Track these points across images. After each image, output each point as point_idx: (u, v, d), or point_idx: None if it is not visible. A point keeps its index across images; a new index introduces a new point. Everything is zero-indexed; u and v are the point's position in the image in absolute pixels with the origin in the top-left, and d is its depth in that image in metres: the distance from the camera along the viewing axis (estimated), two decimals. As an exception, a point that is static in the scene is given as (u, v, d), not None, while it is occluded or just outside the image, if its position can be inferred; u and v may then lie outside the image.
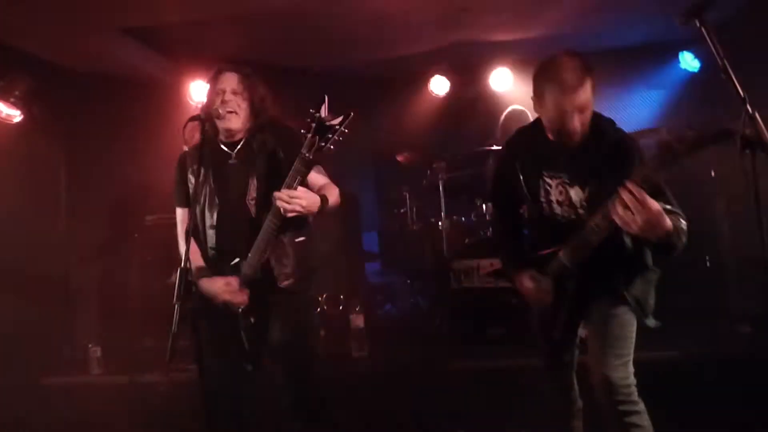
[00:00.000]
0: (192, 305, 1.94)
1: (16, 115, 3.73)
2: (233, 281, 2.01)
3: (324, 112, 1.84)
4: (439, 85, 4.70)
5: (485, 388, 2.89)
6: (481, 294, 3.38)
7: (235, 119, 2.08)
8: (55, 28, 3.58)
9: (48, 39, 3.73)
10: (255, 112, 2.12)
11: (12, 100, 3.64)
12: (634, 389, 1.83)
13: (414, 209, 4.13)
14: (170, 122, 4.04)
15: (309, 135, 1.84)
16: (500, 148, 3.67)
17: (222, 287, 2.02)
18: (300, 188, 1.90)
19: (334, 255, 3.88)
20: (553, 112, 1.77)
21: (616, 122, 1.87)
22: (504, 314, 3.30)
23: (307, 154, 1.86)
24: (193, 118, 2.07)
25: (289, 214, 1.90)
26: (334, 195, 2.08)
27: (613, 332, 1.84)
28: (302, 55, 4.39)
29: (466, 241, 3.67)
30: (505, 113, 4.07)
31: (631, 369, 1.85)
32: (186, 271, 1.90)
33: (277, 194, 1.88)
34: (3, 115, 3.69)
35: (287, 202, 1.87)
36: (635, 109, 4.59)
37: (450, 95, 4.75)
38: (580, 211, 1.84)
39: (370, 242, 4.84)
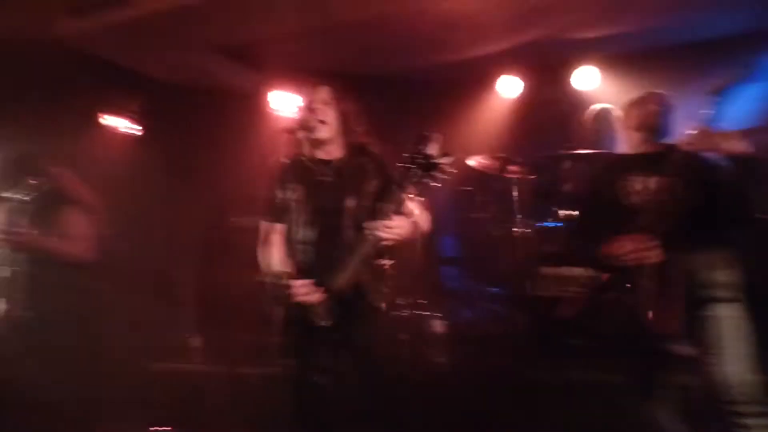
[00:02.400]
0: (283, 309, 2.08)
1: (134, 129, 4.18)
2: (308, 282, 2.06)
3: (432, 150, 1.88)
4: (510, 86, 4.58)
5: (569, 400, 2.82)
6: (559, 303, 3.28)
7: (325, 129, 2.15)
8: (161, 49, 3.94)
9: (154, 59, 4.09)
10: (345, 126, 2.19)
11: (130, 114, 4.06)
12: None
13: (490, 215, 4.07)
14: (254, 131, 4.31)
15: (412, 168, 1.88)
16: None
17: (298, 288, 2.07)
18: (395, 217, 1.94)
19: (412, 259, 3.91)
20: None
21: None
22: (587, 325, 3.20)
23: (407, 188, 1.90)
24: (287, 131, 2.19)
25: (384, 243, 1.95)
26: (426, 222, 2.13)
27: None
28: (374, 63, 4.47)
29: (545, 248, 3.57)
30: (590, 112, 3.89)
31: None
32: (281, 275, 2.03)
33: (369, 225, 1.94)
34: (127, 131, 4.15)
35: (382, 232, 1.92)
36: (733, 105, 4.21)
37: (524, 96, 4.63)
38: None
39: (445, 246, 4.83)
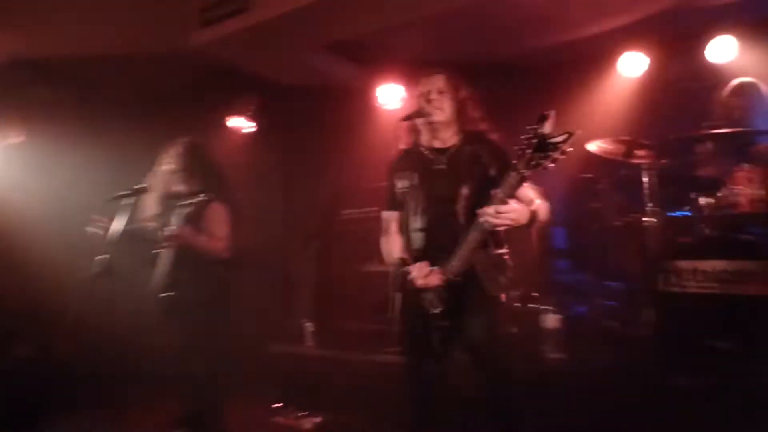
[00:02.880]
0: (400, 296, 2.07)
1: (251, 127, 4.46)
2: (424, 265, 2.06)
3: (547, 128, 1.78)
4: (633, 64, 4.19)
5: (708, 407, 2.54)
6: (700, 300, 2.96)
7: (440, 114, 2.14)
8: (276, 51, 4.10)
9: (266, 60, 4.28)
10: (460, 114, 2.16)
11: (247, 115, 4.34)
12: None
13: (613, 203, 3.76)
14: (362, 126, 4.37)
15: (527, 151, 1.80)
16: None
17: (416, 273, 2.08)
18: (510, 201, 1.88)
19: (525, 251, 3.75)
20: None
21: None
22: (732, 325, 2.86)
23: (522, 171, 1.82)
24: (403, 119, 2.17)
25: (497, 228, 1.90)
26: (544, 211, 2.04)
27: None
28: (484, 49, 4.32)
29: (683, 239, 3.23)
30: (730, 87, 3.45)
31: None
32: (402, 263, 2.05)
33: (482, 211, 1.89)
34: (242, 128, 4.45)
35: (494, 218, 1.86)
36: None
37: (650, 74, 4.23)
38: None
39: (559, 238, 4.57)
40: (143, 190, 2.73)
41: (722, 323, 2.86)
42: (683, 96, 3.95)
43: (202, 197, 2.74)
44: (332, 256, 4.18)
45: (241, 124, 4.54)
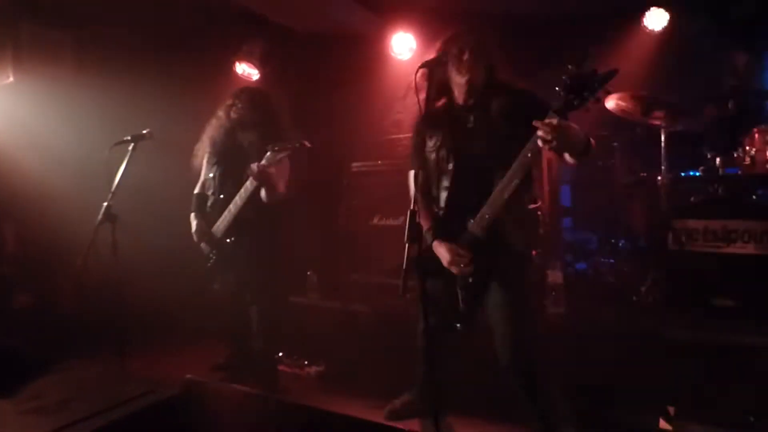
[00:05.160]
0: (420, 254, 2.06)
1: (255, 74, 4.33)
2: (465, 253, 2.03)
3: (583, 68, 1.74)
4: (656, 19, 4.05)
5: (705, 364, 2.61)
6: (708, 259, 2.99)
7: (474, 75, 2.09)
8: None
9: (281, 3, 4.10)
10: (489, 71, 2.11)
11: (252, 61, 4.20)
12: None
13: (623, 161, 3.74)
14: (375, 75, 4.25)
15: (564, 93, 1.76)
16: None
17: (452, 256, 2.05)
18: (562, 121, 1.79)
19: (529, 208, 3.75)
20: None
21: None
22: (735, 284, 2.90)
23: (557, 112, 1.78)
24: (424, 65, 2.11)
25: (551, 147, 1.80)
26: (592, 142, 1.96)
27: None
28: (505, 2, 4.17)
29: (692, 199, 3.23)
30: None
31: None
32: (415, 214, 2.00)
33: (538, 123, 1.78)
34: (245, 74, 4.33)
35: (549, 133, 1.76)
36: None
37: (669, 30, 4.11)
38: None
39: (564, 196, 4.56)
40: (145, 137, 2.71)
41: (727, 282, 2.90)
42: (704, 54, 3.85)
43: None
44: (340, 209, 4.17)
45: (248, 70, 4.42)
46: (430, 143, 2.17)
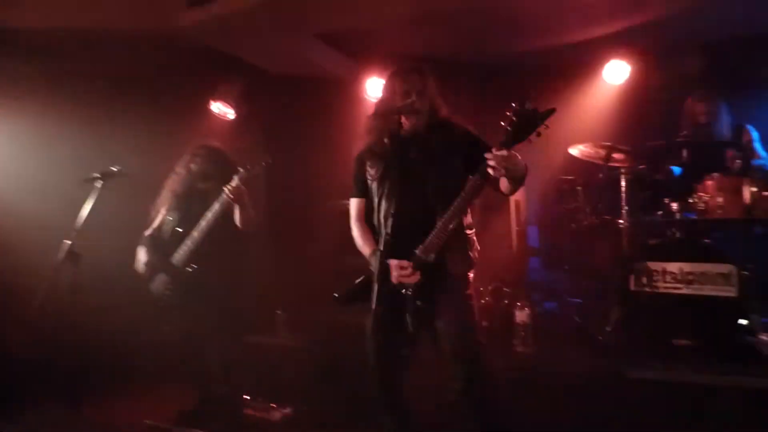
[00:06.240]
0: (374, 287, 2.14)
1: (230, 113, 4.39)
2: (406, 264, 2.13)
3: (527, 105, 1.87)
4: (616, 72, 4.32)
5: (667, 402, 2.68)
6: (667, 300, 3.11)
7: (420, 117, 2.21)
8: (261, 36, 4.03)
9: (254, 46, 4.22)
10: (433, 108, 2.24)
11: (228, 100, 4.26)
12: None
13: (587, 204, 3.88)
14: (349, 117, 4.35)
15: (509, 128, 1.89)
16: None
17: (395, 268, 2.14)
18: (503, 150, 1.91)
19: (500, 248, 3.84)
20: None
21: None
22: (694, 325, 3.01)
23: (503, 146, 1.90)
24: (374, 116, 2.22)
25: (498, 175, 1.93)
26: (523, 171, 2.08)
27: None
28: (472, 49, 4.37)
29: (652, 241, 3.37)
30: (694, 94, 3.68)
31: None
32: (382, 253, 2.13)
33: (489, 155, 1.91)
34: (221, 113, 4.39)
35: (499, 162, 1.89)
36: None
37: (630, 82, 4.35)
38: None
39: (531, 237, 4.68)
40: (114, 174, 2.74)
41: (685, 322, 3.01)
42: (660, 105, 4.08)
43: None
44: (313, 247, 4.18)
45: (223, 109, 4.47)
46: (372, 171, 2.27)
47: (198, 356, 2.97)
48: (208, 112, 4.44)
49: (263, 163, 2.88)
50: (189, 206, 3.08)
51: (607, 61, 4.31)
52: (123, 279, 3.33)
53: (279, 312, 3.88)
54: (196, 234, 2.93)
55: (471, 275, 2.24)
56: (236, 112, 4.43)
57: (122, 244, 3.25)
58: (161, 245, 3.08)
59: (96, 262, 2.63)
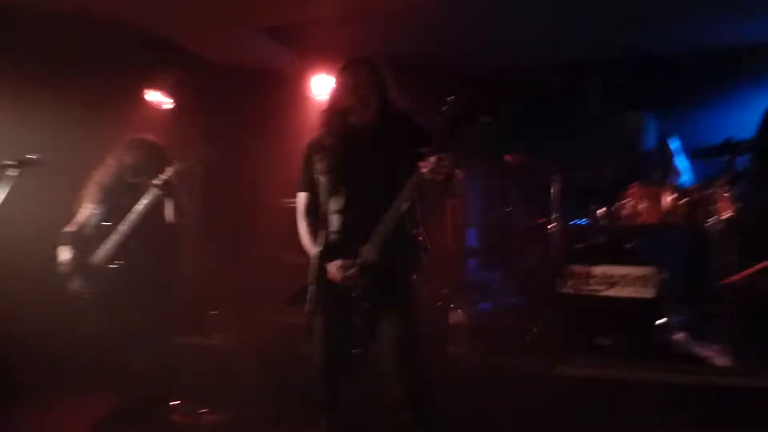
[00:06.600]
0: (317, 287, 2.09)
1: (168, 102, 4.23)
2: (347, 262, 2.07)
3: (465, 101, 1.88)
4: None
5: (589, 398, 2.79)
6: (591, 302, 3.25)
7: (368, 112, 2.15)
8: (204, 25, 3.95)
9: (197, 34, 4.11)
10: (384, 102, 2.18)
11: (167, 89, 4.11)
12: None
13: (522, 208, 4.03)
14: (293, 113, 4.31)
15: (447, 123, 1.89)
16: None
17: (337, 267, 2.08)
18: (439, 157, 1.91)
19: (437, 249, 3.89)
20: None
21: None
22: (615, 324, 3.17)
23: (442, 142, 1.90)
24: (326, 111, 2.19)
25: (437, 179, 1.91)
26: (461, 176, 2.09)
27: None
28: (418, 52, 4.42)
29: (580, 245, 3.52)
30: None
31: None
32: (320, 254, 2.06)
33: (423, 163, 1.90)
34: (158, 102, 4.23)
35: (435, 166, 1.88)
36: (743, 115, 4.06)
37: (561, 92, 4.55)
38: None
39: (470, 238, 4.79)
40: (32, 162, 2.57)
41: (608, 322, 3.16)
42: (592, 115, 4.29)
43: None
44: (254, 245, 4.10)
45: (161, 99, 4.30)
46: (320, 165, 2.19)
47: (122, 359, 2.84)
48: (144, 101, 4.27)
49: (199, 159, 2.79)
50: (117, 200, 2.96)
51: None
52: (39, 277, 3.15)
53: (214, 312, 3.78)
54: (123, 228, 2.81)
55: (419, 277, 2.18)
56: (175, 102, 4.28)
57: (38, 239, 3.07)
58: (84, 240, 2.94)
59: (7, 258, 2.46)
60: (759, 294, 2.91)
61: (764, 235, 3.05)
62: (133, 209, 2.84)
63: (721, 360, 2.91)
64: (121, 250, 2.84)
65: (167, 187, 2.76)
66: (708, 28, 4.01)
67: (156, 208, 2.84)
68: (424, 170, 1.90)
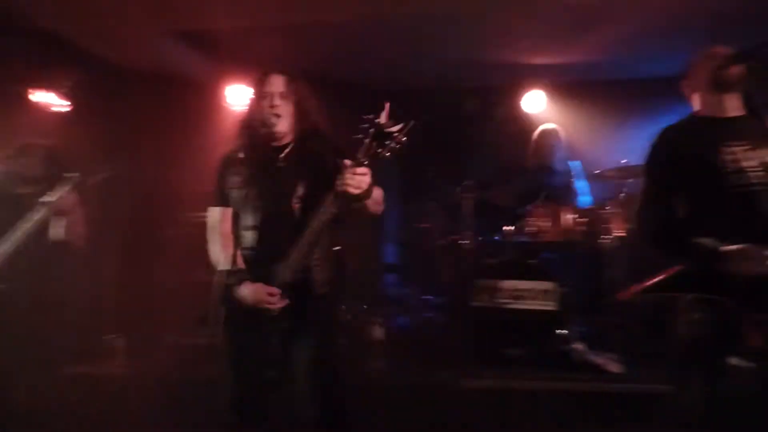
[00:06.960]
0: (228, 307, 2.02)
1: (64, 105, 3.89)
2: (275, 291, 1.99)
3: (383, 118, 1.84)
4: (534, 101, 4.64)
5: (498, 408, 2.91)
6: (501, 314, 3.41)
7: (282, 123, 2.11)
8: (108, 25, 3.73)
9: (99, 35, 3.86)
10: (301, 114, 2.14)
11: (63, 91, 3.79)
12: None
13: (438, 225, 4.16)
14: (206, 123, 4.16)
15: (366, 140, 1.84)
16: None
17: (263, 296, 1.99)
18: (359, 169, 1.87)
19: (355, 265, 3.91)
20: None
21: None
22: (524, 336, 3.34)
23: (361, 159, 1.85)
24: (241, 123, 2.14)
25: (355, 193, 1.86)
26: (380, 193, 2.07)
27: None
28: (344, 67, 4.46)
29: (490, 261, 3.69)
30: (537, 132, 4.11)
31: None
32: (229, 273, 1.98)
33: (340, 180, 1.85)
34: (51, 105, 3.88)
35: (352, 181, 1.84)
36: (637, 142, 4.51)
37: (479, 115, 4.78)
38: None
39: (388, 254, 4.88)
40: None
41: (516, 334, 3.34)
42: (505, 137, 4.53)
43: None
44: (160, 263, 3.88)
45: (55, 101, 3.93)
46: (234, 179, 2.12)
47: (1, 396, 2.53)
48: (34, 102, 3.89)
49: (103, 177, 2.61)
50: (2, 211, 2.63)
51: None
52: None
53: (114, 336, 3.51)
54: (6, 246, 2.51)
55: (337, 294, 2.12)
56: (72, 105, 3.95)
57: None
58: None
59: None
60: (647, 308, 3.19)
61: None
62: (18, 225, 2.53)
63: (614, 367, 3.14)
64: (4, 270, 2.52)
65: (63, 205, 2.53)
66: (611, 60, 4.37)
67: (44, 225, 2.57)
68: (341, 185, 1.87)
